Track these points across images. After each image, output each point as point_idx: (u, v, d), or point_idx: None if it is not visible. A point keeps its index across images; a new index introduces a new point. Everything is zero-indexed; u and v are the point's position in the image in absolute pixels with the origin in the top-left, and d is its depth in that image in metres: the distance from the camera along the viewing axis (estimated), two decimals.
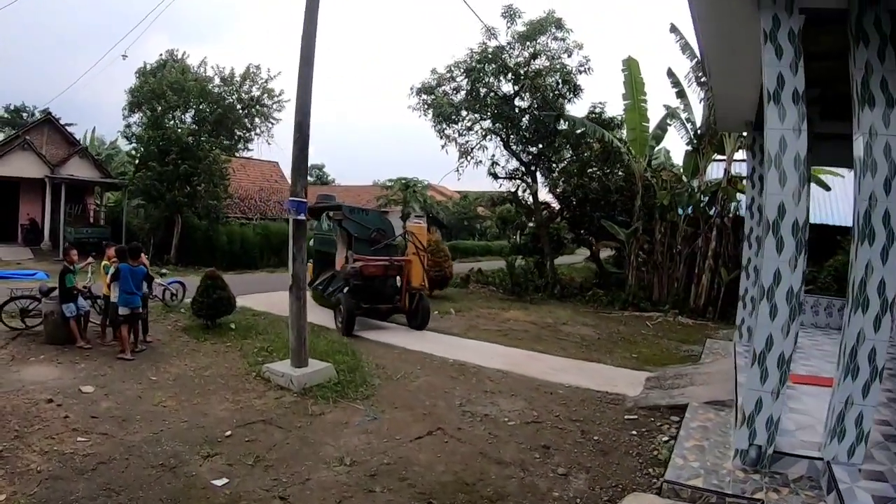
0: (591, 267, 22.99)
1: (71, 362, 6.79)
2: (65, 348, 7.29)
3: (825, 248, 12.70)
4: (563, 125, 16.23)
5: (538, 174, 17.46)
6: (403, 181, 22.66)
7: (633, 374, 7.85)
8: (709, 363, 8.50)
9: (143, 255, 8.22)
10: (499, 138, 17.11)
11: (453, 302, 13.68)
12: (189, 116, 18.01)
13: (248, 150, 19.50)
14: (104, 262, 8.15)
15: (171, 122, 17.74)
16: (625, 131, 16.79)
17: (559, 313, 12.78)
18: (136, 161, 18.38)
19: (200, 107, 17.63)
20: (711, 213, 14.73)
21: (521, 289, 15.20)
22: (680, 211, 15.22)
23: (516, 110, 16.59)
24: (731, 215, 14.67)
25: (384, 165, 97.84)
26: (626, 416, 6.02)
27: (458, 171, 17.06)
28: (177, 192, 16.77)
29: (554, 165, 17.63)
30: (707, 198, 14.90)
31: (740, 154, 15.56)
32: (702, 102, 15.00)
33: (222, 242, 18.39)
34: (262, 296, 12.18)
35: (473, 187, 24.81)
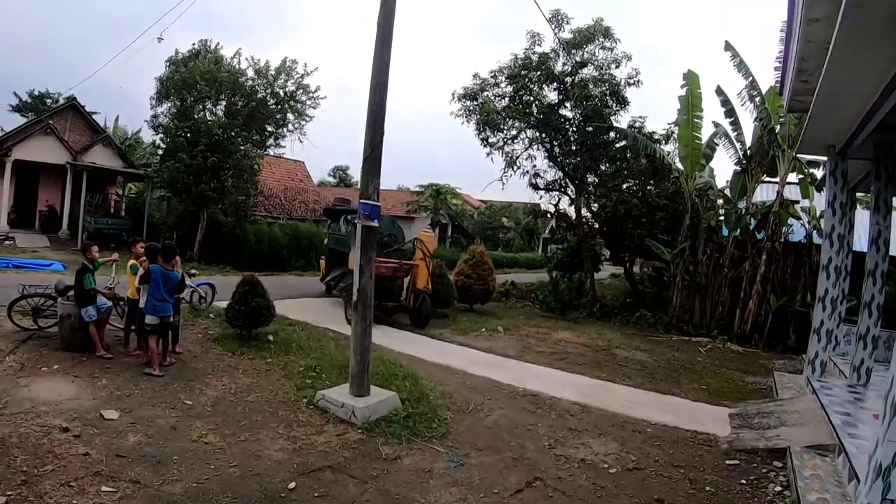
0: (618, 284, 22.35)
1: (90, 376, 5.86)
2: (82, 357, 6.38)
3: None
4: (610, 137, 15.59)
5: (581, 187, 16.80)
6: (435, 188, 21.97)
7: (713, 410, 7.30)
8: (789, 400, 7.93)
9: (178, 257, 7.22)
10: (544, 148, 16.43)
11: (497, 318, 13.06)
12: (220, 109, 17.34)
13: (281, 146, 18.70)
14: (131, 262, 7.10)
15: (201, 113, 17.10)
16: (667, 147, 16.19)
17: (608, 335, 12.09)
18: (162, 151, 17.68)
19: (232, 99, 16.98)
20: (760, 236, 14.08)
21: (563, 306, 14.54)
22: (725, 232, 14.61)
23: (562, 120, 15.90)
24: (782, 240, 14.03)
25: (407, 168, 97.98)
26: (727, 462, 5.46)
27: (502, 180, 16.46)
28: (204, 185, 16.00)
29: (594, 179, 16.97)
30: (756, 220, 14.24)
31: (792, 177, 14.95)
32: (755, 122, 14.39)
33: (250, 241, 17.55)
34: (297, 302, 11.53)
35: (497, 197, 24.08)
